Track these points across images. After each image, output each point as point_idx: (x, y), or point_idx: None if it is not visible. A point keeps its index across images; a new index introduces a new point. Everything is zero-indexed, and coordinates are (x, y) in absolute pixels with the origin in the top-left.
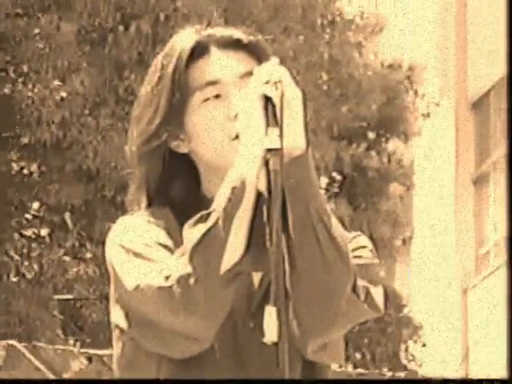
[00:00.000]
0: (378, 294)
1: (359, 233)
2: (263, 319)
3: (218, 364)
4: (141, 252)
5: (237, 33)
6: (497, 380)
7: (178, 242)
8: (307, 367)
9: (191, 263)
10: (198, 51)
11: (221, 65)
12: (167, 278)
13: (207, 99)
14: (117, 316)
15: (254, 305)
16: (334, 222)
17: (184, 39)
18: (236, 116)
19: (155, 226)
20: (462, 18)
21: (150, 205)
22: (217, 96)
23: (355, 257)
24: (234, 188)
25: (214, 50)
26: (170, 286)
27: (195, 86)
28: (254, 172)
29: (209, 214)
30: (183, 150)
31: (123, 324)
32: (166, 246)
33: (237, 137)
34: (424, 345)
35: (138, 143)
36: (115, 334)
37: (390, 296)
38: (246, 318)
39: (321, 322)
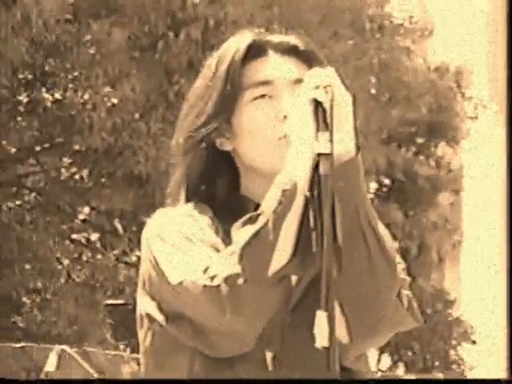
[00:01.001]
0: (413, 302)
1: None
2: (300, 317)
3: (253, 361)
4: (182, 246)
5: (294, 39)
6: (497, 380)
7: (220, 238)
8: (345, 374)
9: (240, 263)
10: (255, 51)
11: (276, 67)
12: (213, 277)
13: (257, 98)
14: (147, 306)
15: (292, 303)
16: (381, 229)
17: (241, 39)
18: (285, 117)
19: (197, 221)
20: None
21: (188, 200)
22: (267, 96)
23: None
24: (284, 191)
25: (271, 52)
26: (217, 286)
27: (247, 84)
28: (304, 176)
29: (258, 216)
30: (227, 147)
31: (159, 317)
32: (208, 242)
33: (284, 137)
34: (474, 342)
35: (185, 135)
36: (143, 323)
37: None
38: (283, 316)
39: (366, 326)
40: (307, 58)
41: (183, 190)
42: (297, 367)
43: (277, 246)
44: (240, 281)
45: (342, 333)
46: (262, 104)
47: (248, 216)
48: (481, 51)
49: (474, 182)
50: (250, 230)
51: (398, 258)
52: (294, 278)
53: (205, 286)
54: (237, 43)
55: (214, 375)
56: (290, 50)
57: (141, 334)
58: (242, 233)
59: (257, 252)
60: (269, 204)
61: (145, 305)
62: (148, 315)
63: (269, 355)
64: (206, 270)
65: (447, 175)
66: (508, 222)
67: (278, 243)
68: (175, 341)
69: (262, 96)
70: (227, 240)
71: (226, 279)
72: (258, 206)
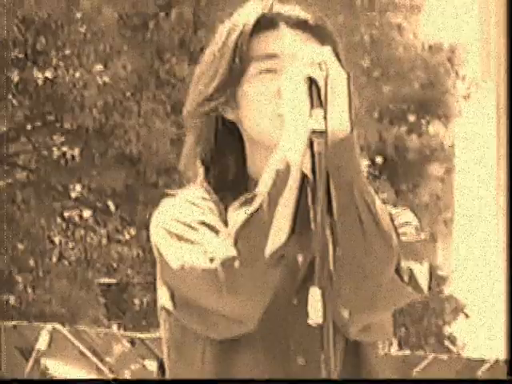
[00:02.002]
0: (422, 273)
1: (404, 208)
2: (306, 297)
3: (261, 344)
4: (184, 235)
5: (304, 14)
6: (497, 380)
7: (223, 220)
8: (350, 349)
9: (236, 246)
10: (266, 24)
11: (285, 40)
12: (212, 260)
13: (263, 71)
14: (163, 297)
15: (298, 282)
16: (378, 205)
17: (252, 9)
18: (279, 92)
19: (197, 207)
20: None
21: (207, 171)
22: (273, 71)
23: (400, 234)
24: (278, 170)
25: (282, 25)
26: (215, 269)
27: (255, 56)
28: (298, 154)
29: (253, 197)
30: (230, 116)
31: (169, 305)
32: (210, 226)
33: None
34: (467, 316)
35: (193, 104)
36: (162, 315)
37: (433, 275)
38: (289, 296)
39: (363, 303)
40: (318, 33)
41: (199, 164)
42: (302, 347)
43: (273, 227)
44: (236, 264)
45: (340, 309)
46: (267, 78)
47: (243, 198)
48: (474, 30)
49: (466, 161)
50: (246, 211)
51: (411, 217)
52: (300, 258)
53: (203, 270)
54: (247, 14)
55: (222, 359)
56: (301, 24)
57: (161, 324)
58: (237, 215)
59: (252, 234)
60: (263, 185)
61: (161, 296)
62: (163, 307)
63: (275, 336)
64: (205, 253)
65: (439, 151)
66: (506, 200)
67: (273, 224)
68: (188, 330)
69: (268, 70)
70: None
71: (223, 262)
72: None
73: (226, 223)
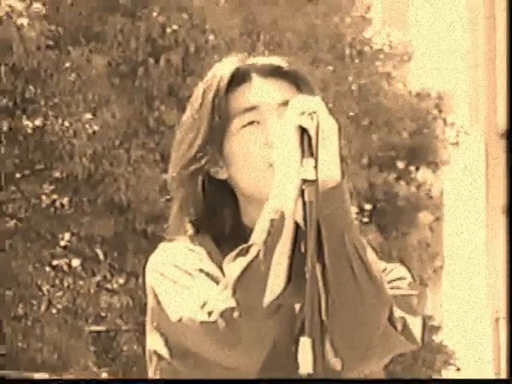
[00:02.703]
0: (415, 325)
1: (398, 264)
2: None
3: None
4: (182, 282)
5: (277, 60)
6: (497, 380)
7: (220, 268)
8: None
9: (234, 297)
10: (239, 78)
11: (260, 91)
12: (210, 313)
13: (245, 125)
14: (155, 343)
15: (296, 331)
16: (369, 253)
17: (225, 66)
18: (271, 142)
19: (196, 253)
20: (491, 45)
21: (197, 231)
22: (255, 122)
23: (393, 288)
24: (272, 220)
25: (254, 76)
26: (214, 321)
27: (234, 112)
28: (291, 203)
29: (249, 247)
30: (222, 176)
31: (164, 352)
32: (208, 274)
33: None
34: (458, 369)
35: (177, 168)
36: (152, 361)
37: (425, 328)
38: (288, 345)
39: (357, 352)
40: (293, 79)
41: (187, 224)
42: None
43: (269, 276)
44: (235, 314)
45: (333, 360)
46: (251, 131)
47: (239, 248)
48: (462, 77)
49: (455, 209)
50: (242, 262)
51: (405, 272)
52: (297, 307)
53: (202, 322)
54: (221, 71)
55: None
56: (274, 72)
57: (150, 371)
58: (234, 266)
59: (250, 284)
60: (258, 235)
61: (153, 342)
62: (155, 352)
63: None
64: (203, 306)
65: (428, 199)
66: (508, 227)
67: (270, 273)
68: (183, 376)
69: (251, 123)
70: None
71: (222, 314)
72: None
73: (223, 272)
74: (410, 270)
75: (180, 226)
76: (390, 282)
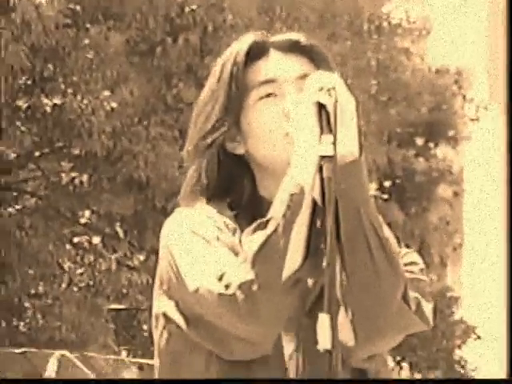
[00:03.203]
0: (427, 307)
1: (412, 249)
2: (315, 320)
3: (270, 364)
4: (200, 249)
5: (296, 35)
6: (497, 380)
7: (238, 239)
8: (357, 375)
9: (253, 270)
10: (258, 52)
11: (278, 65)
12: (227, 286)
13: (262, 97)
14: (165, 306)
15: (308, 305)
16: (385, 230)
17: (243, 41)
18: (288, 114)
19: (213, 221)
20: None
21: (209, 201)
22: (272, 95)
23: (406, 272)
24: (292, 195)
25: (272, 51)
26: (233, 293)
27: (252, 85)
28: (310, 179)
29: (267, 221)
30: (239, 151)
31: (176, 317)
32: (225, 242)
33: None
34: (479, 337)
35: (195, 140)
36: (159, 323)
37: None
38: (300, 319)
39: (371, 328)
40: (310, 53)
41: (198, 194)
42: (312, 368)
43: (288, 251)
44: (254, 287)
45: (347, 336)
46: (268, 103)
47: (258, 222)
48: (481, 53)
49: (475, 184)
50: (261, 235)
51: (417, 258)
52: (310, 281)
53: (220, 294)
54: (239, 45)
55: (230, 377)
56: (292, 47)
57: (156, 333)
58: (253, 239)
59: (269, 258)
60: (277, 209)
61: (162, 304)
62: (164, 315)
63: (286, 357)
64: (221, 277)
65: (448, 175)
66: (509, 225)
67: (289, 247)
68: (192, 342)
69: (268, 95)
70: None
71: (241, 286)
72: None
73: (240, 241)
74: (423, 257)
75: (191, 197)
76: (404, 265)
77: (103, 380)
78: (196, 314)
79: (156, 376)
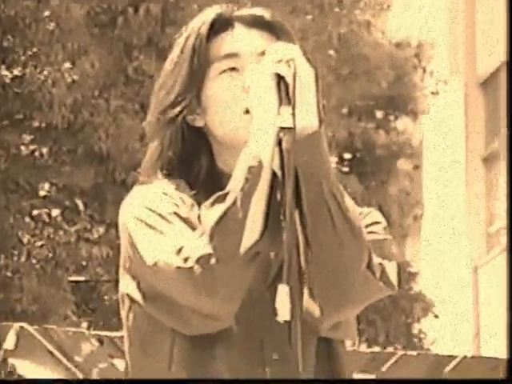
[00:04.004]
0: (392, 270)
1: (372, 209)
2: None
3: (232, 339)
4: (157, 226)
5: (260, 11)
6: (497, 380)
7: (196, 214)
8: (322, 344)
9: (211, 243)
10: (221, 25)
11: (242, 39)
12: (186, 259)
13: (224, 71)
14: (128, 286)
15: (270, 278)
16: (347, 200)
17: (207, 13)
18: (247, 89)
19: (170, 197)
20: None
21: (166, 177)
22: (234, 69)
23: (369, 232)
24: (250, 167)
25: (237, 25)
26: (191, 267)
27: (214, 58)
28: (268, 151)
29: (226, 195)
30: (199, 123)
31: (137, 296)
32: (183, 218)
33: (247, 111)
34: (436, 316)
35: (156, 113)
36: (125, 304)
37: (402, 272)
38: (262, 292)
39: (336, 299)
40: (274, 29)
41: (159, 168)
42: (276, 343)
43: (247, 223)
44: (212, 261)
45: (312, 306)
46: (229, 77)
47: (216, 195)
48: (441, 26)
49: (435, 157)
50: (220, 209)
51: (379, 217)
52: (272, 254)
53: (178, 268)
54: (203, 17)
55: (193, 355)
56: (257, 22)
57: (123, 313)
58: (211, 212)
59: (227, 231)
60: (236, 182)
61: (125, 284)
62: (128, 295)
63: (249, 331)
64: (179, 251)
65: (407, 148)
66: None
67: (247, 220)
68: (155, 321)
69: (230, 69)
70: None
71: (199, 260)
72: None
73: (198, 217)
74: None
75: (152, 171)
76: (366, 226)
77: (103, 380)
78: (154, 290)
79: (126, 357)
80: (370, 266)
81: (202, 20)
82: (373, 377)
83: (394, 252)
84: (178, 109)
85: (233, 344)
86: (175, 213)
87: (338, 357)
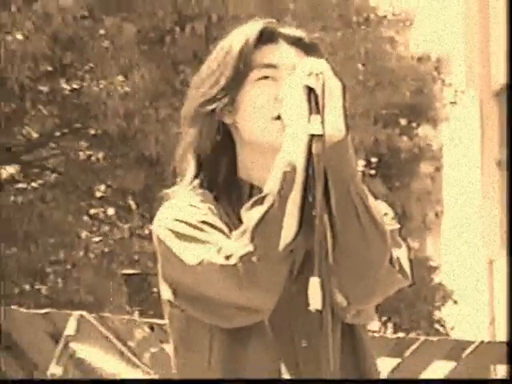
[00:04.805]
0: (404, 259)
1: (379, 201)
2: (303, 285)
3: (267, 331)
4: (189, 233)
5: (301, 32)
6: (497, 380)
7: (223, 223)
8: (346, 329)
9: (253, 243)
10: (267, 37)
11: (283, 54)
12: (228, 257)
13: (261, 78)
14: (166, 293)
15: (295, 272)
16: (371, 200)
17: (254, 25)
18: (281, 99)
19: (197, 208)
20: (485, 12)
21: (197, 172)
22: (271, 78)
23: None
24: (285, 172)
25: (281, 41)
26: (234, 264)
27: (256, 64)
28: (301, 156)
29: (264, 197)
30: (228, 120)
31: (175, 301)
32: (210, 224)
33: (277, 118)
34: (455, 302)
35: (195, 105)
36: (166, 308)
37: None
38: (289, 285)
39: (362, 291)
40: (310, 49)
41: (192, 162)
42: (304, 331)
43: (284, 223)
44: (254, 258)
45: (339, 297)
46: (265, 84)
47: (255, 198)
48: (458, 42)
49: (453, 161)
50: (259, 211)
51: (387, 208)
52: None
53: (222, 266)
54: (250, 28)
55: (230, 347)
56: (297, 41)
57: (166, 317)
58: (251, 214)
59: (267, 231)
60: (272, 186)
61: (164, 291)
62: (169, 301)
63: (280, 322)
64: (219, 250)
65: (428, 152)
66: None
67: (284, 221)
68: (194, 321)
69: (266, 77)
70: (230, 223)
71: (241, 257)
72: (252, 187)
73: (226, 224)
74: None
75: (187, 163)
76: None
77: (103, 380)
78: (192, 292)
79: (172, 357)
80: (391, 261)
81: (249, 30)
82: (398, 360)
83: (401, 240)
84: (217, 104)
85: (268, 334)
86: (203, 221)
87: (361, 341)
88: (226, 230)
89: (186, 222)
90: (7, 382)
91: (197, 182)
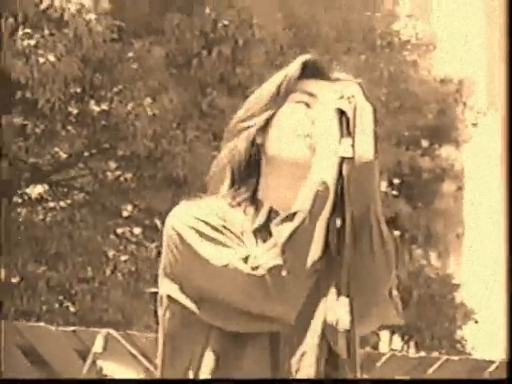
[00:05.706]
0: (399, 303)
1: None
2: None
3: (269, 342)
4: (211, 234)
5: (340, 75)
6: (497, 380)
7: (237, 230)
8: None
9: (282, 256)
10: (313, 71)
11: (324, 88)
12: (255, 267)
13: (298, 102)
14: (168, 288)
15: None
16: (384, 227)
17: (302, 57)
18: (313, 122)
19: (217, 212)
20: (508, 35)
21: (232, 183)
22: (306, 104)
23: None
24: (318, 191)
25: (323, 76)
26: (262, 276)
27: (297, 89)
28: (332, 177)
29: (294, 214)
30: (259, 139)
31: (179, 297)
32: (230, 231)
33: (306, 136)
34: (476, 321)
35: (236, 120)
36: (163, 302)
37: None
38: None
39: (363, 314)
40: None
41: (228, 176)
42: (297, 343)
43: (313, 241)
44: (283, 272)
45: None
46: (300, 107)
47: (285, 214)
48: (480, 65)
49: (475, 181)
50: (289, 226)
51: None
52: None
53: (248, 275)
54: (298, 61)
55: (228, 348)
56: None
57: (160, 312)
58: (282, 229)
59: (296, 246)
60: (304, 203)
61: (165, 287)
62: (168, 296)
63: (281, 333)
64: (246, 259)
65: (450, 173)
66: (507, 217)
67: (313, 239)
68: (192, 317)
69: (302, 102)
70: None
71: (270, 270)
72: (270, 209)
73: (241, 233)
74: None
75: (220, 176)
76: None
77: (103, 380)
78: (206, 293)
79: (159, 350)
80: (391, 295)
81: (297, 62)
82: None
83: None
84: (255, 121)
85: (266, 346)
86: (224, 226)
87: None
88: (242, 238)
89: (205, 222)
90: (11, 381)
91: (229, 193)
